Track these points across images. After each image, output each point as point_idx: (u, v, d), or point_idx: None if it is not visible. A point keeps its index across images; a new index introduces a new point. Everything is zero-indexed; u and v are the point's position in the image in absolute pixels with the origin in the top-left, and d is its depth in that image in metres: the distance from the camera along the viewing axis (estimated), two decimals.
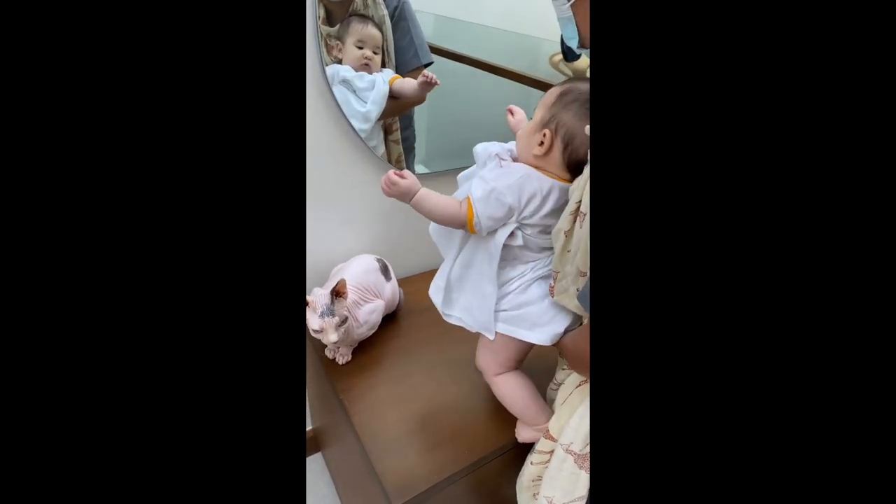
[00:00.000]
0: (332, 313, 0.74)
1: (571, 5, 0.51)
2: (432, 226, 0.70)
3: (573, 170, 0.61)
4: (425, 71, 0.92)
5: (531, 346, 0.68)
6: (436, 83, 0.92)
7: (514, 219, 0.61)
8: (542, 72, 1.12)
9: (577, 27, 0.52)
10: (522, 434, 0.74)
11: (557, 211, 0.61)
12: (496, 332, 0.67)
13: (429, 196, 0.62)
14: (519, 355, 0.71)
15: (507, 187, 0.59)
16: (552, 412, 0.69)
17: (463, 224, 0.62)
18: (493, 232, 0.62)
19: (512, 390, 0.72)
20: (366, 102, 0.90)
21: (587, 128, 0.56)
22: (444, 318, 0.72)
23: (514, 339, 0.67)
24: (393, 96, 0.91)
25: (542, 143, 0.60)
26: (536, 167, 0.62)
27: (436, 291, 0.72)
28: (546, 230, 0.62)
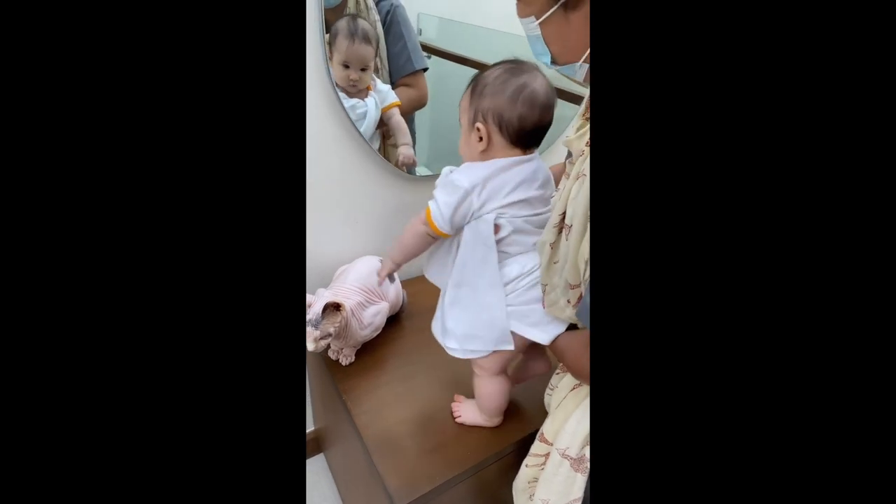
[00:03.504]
0: (316, 326, 0.74)
1: (540, 23, 0.51)
2: (428, 269, 0.73)
3: (520, 143, 0.62)
4: (405, 156, 0.94)
5: (527, 345, 0.68)
6: (414, 164, 0.97)
7: (482, 207, 0.62)
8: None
9: (547, 45, 0.52)
10: (466, 414, 0.79)
11: (527, 182, 0.63)
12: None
13: (395, 242, 0.70)
14: (518, 353, 0.71)
15: (460, 172, 0.63)
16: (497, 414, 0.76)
17: (424, 223, 0.64)
18: (479, 235, 0.62)
19: (496, 392, 0.74)
20: (357, 132, 0.90)
21: (508, 92, 0.60)
22: (450, 352, 0.70)
23: (518, 336, 0.66)
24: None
25: (481, 139, 0.62)
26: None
27: (435, 325, 0.73)
28: (530, 204, 0.63)
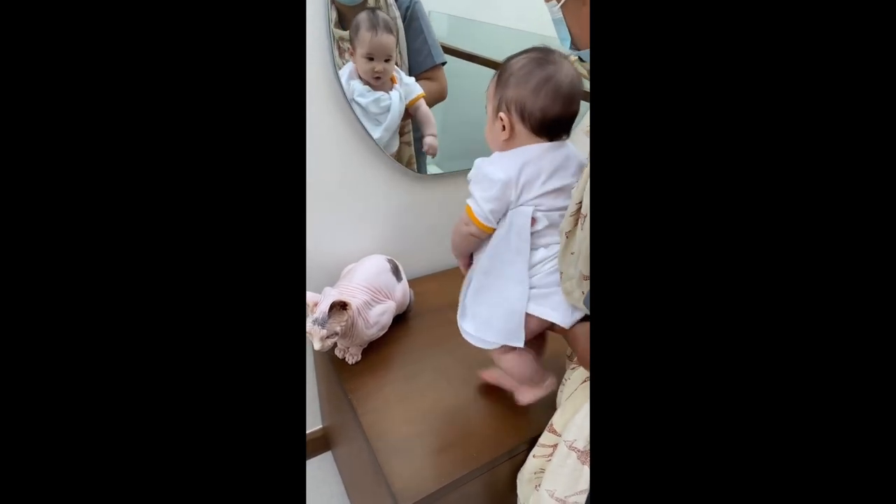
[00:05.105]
0: (323, 325, 0.74)
1: (561, 6, 0.53)
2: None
3: (544, 132, 0.63)
4: (430, 146, 0.95)
5: (545, 327, 0.67)
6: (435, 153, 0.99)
7: (519, 197, 0.62)
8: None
9: (568, 28, 0.54)
10: (524, 397, 0.77)
11: (562, 170, 0.62)
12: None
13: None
14: (532, 335, 0.70)
15: (492, 165, 0.63)
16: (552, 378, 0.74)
17: (467, 223, 0.64)
18: (514, 227, 0.62)
19: (516, 364, 0.72)
20: (380, 124, 0.90)
21: (531, 85, 0.60)
22: (464, 335, 0.70)
23: (535, 318, 0.65)
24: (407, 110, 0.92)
25: (504, 128, 0.63)
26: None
27: (459, 311, 0.72)
28: (566, 193, 0.63)
